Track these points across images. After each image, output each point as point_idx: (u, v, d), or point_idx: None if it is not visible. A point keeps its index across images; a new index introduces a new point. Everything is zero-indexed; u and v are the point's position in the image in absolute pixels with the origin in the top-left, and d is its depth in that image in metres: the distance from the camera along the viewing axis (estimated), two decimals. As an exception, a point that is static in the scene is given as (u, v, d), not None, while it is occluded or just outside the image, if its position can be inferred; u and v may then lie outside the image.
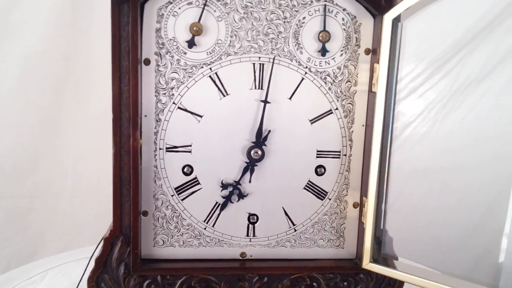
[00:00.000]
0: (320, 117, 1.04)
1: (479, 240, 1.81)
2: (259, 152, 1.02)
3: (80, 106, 1.77)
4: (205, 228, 1.06)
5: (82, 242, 1.76)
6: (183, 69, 0.99)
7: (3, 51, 1.66)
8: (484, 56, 1.76)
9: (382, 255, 1.06)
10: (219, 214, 1.06)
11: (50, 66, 1.70)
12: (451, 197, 1.83)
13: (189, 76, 1.00)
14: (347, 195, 1.08)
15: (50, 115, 1.75)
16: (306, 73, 1.02)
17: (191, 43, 0.98)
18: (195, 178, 1.04)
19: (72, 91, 1.76)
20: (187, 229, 1.06)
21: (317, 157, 1.06)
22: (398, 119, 1.03)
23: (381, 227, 1.05)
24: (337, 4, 1.00)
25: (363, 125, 1.06)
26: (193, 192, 1.04)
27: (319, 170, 1.06)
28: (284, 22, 1.00)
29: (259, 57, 1.01)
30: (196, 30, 0.97)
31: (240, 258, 1.08)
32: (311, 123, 1.04)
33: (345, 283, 1.08)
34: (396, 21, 0.96)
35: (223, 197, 1.05)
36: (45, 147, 1.76)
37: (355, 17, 1.01)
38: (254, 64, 1.01)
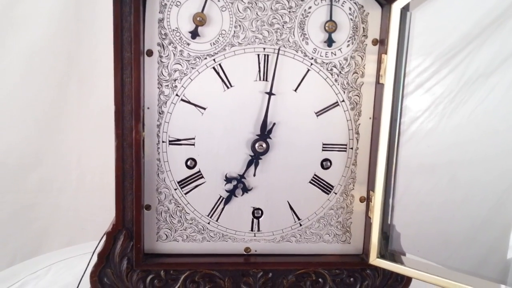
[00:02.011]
0: (326, 110, 1.02)
1: (487, 236, 1.79)
2: (264, 145, 1.01)
3: (84, 101, 1.76)
4: (208, 223, 1.05)
5: (86, 237, 1.75)
6: (186, 60, 0.97)
7: (6, 47, 1.65)
8: (493, 50, 1.73)
9: (389, 251, 1.04)
10: (223, 208, 1.04)
11: (54, 61, 1.70)
12: (458, 191, 1.81)
13: (193, 68, 0.98)
14: (353, 189, 1.06)
15: (53, 110, 1.74)
16: (312, 64, 1.00)
17: (194, 34, 0.96)
18: (199, 171, 1.02)
19: (76, 86, 1.75)
20: (191, 223, 1.04)
21: (323, 150, 1.04)
22: (405, 114, 1.01)
23: (389, 222, 1.03)
24: (343, -6, 0.98)
25: (370, 118, 1.03)
26: (196, 186, 1.03)
27: (325, 164, 1.04)
28: (290, 12, 0.98)
29: (264, 48, 0.98)
30: (200, 20, 0.95)
31: (245, 253, 1.07)
32: (317, 116, 1.02)
33: (352, 279, 1.06)
34: (405, 10, 0.94)
35: (227, 191, 1.03)
36: (48, 142, 1.76)
37: (362, 6, 0.99)
38: (258, 55, 0.99)
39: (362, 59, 1.01)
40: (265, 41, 0.98)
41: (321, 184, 1.05)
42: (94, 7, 1.69)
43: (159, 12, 0.95)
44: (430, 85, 1.81)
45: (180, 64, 0.97)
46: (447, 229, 1.80)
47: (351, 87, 1.02)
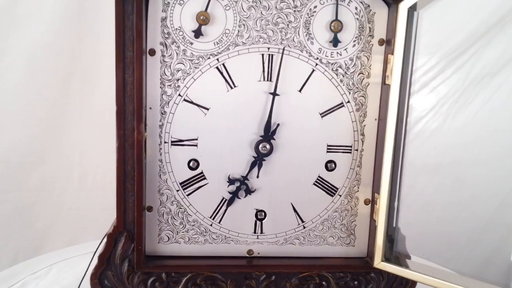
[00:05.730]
0: (331, 110, 1.01)
1: (491, 237, 1.78)
2: (268, 146, 0.99)
3: (86, 100, 1.75)
4: (211, 225, 1.03)
5: (87, 237, 1.75)
6: (189, 60, 0.96)
7: (9, 44, 1.65)
8: (498, 49, 1.72)
9: (394, 254, 1.02)
10: (225, 210, 1.03)
11: (56, 59, 1.69)
12: (463, 192, 1.80)
13: (196, 67, 0.96)
14: (358, 191, 1.05)
15: (56, 108, 1.74)
16: (316, 64, 0.99)
17: (197, 33, 0.95)
18: (201, 172, 1.01)
19: (78, 84, 1.74)
20: (193, 225, 1.03)
21: (327, 151, 1.02)
22: (410, 114, 1.00)
23: (394, 225, 1.02)
24: (349, -8, 0.97)
25: (375, 119, 1.02)
26: (199, 187, 1.01)
27: (330, 165, 1.03)
28: (295, 11, 0.96)
29: (268, 48, 0.97)
30: (203, 19, 0.94)
31: (247, 255, 1.05)
32: (322, 117, 1.01)
33: (356, 282, 1.05)
34: (412, 10, 0.92)
35: (230, 192, 1.02)
36: (51, 141, 1.75)
37: (368, 6, 0.97)
38: (263, 55, 0.97)
39: (368, 59, 0.99)
40: (269, 41, 0.97)
41: (325, 186, 1.04)
42: (97, 6, 1.67)
43: (162, 11, 0.94)
44: (435, 85, 1.80)
45: (183, 64, 0.96)
46: (451, 229, 1.79)
47: (357, 87, 1.00)
